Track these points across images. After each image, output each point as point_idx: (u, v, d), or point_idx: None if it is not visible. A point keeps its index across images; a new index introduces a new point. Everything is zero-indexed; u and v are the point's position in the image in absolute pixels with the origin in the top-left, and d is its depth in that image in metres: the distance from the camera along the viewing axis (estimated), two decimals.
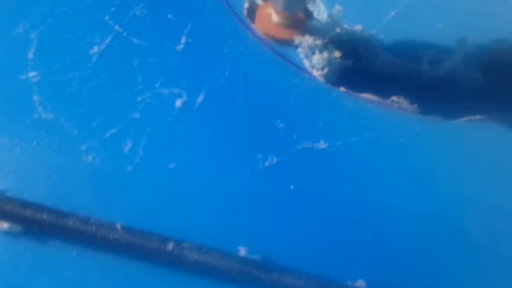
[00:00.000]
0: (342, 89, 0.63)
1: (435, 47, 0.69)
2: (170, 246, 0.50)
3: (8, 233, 0.52)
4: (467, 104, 0.65)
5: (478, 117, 0.62)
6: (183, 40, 0.65)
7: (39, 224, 0.51)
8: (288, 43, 0.66)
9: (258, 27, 0.67)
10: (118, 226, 0.51)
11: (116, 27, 0.64)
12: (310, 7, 0.71)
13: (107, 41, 0.63)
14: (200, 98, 0.61)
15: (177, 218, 0.54)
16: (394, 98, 0.63)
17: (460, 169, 0.59)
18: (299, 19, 0.67)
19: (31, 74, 0.60)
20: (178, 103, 0.60)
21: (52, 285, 0.51)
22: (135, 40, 0.64)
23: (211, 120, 0.60)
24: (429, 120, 0.62)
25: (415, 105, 0.63)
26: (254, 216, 0.55)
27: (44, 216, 0.51)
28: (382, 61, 0.69)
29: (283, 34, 0.66)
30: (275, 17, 0.66)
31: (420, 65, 0.68)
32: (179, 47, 0.64)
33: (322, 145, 0.59)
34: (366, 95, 0.63)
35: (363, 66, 0.69)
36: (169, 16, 0.66)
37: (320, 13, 0.71)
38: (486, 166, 0.59)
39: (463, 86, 0.67)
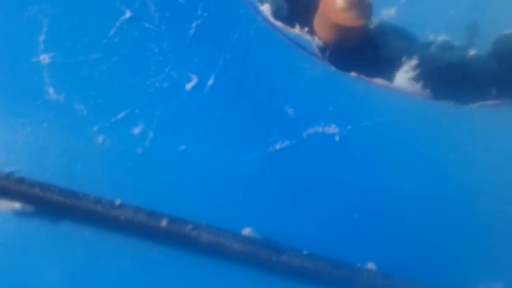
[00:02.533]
0: (353, 74, 0.63)
1: (447, 32, 0.68)
2: (180, 227, 0.50)
3: (20, 213, 0.52)
4: (480, 89, 0.65)
5: (491, 102, 0.62)
6: (193, 24, 0.64)
7: (51, 204, 0.52)
8: (356, 30, 0.62)
9: (323, 14, 0.63)
10: (129, 206, 0.51)
11: (127, 11, 0.64)
12: None
13: (117, 24, 0.63)
14: (210, 82, 0.61)
15: (187, 199, 0.54)
16: (405, 83, 0.62)
17: (472, 154, 0.58)
18: (365, 5, 0.63)
19: (42, 56, 0.60)
20: (189, 86, 0.60)
21: (64, 264, 0.51)
22: (146, 24, 0.64)
23: (221, 103, 0.60)
24: (441, 105, 0.61)
25: (428, 90, 0.62)
26: (264, 199, 0.55)
27: (56, 196, 0.52)
28: (394, 46, 0.68)
29: (350, 20, 0.62)
30: (340, 2, 0.63)
31: (432, 51, 0.68)
32: (190, 31, 0.64)
33: (333, 129, 0.59)
34: (377, 80, 0.63)
35: (375, 51, 0.69)
36: (180, 0, 0.66)
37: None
38: (498, 151, 0.59)
39: (475, 71, 0.66)
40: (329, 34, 0.63)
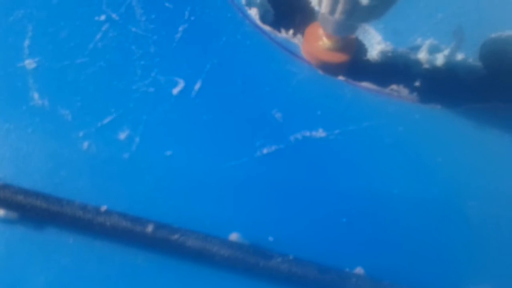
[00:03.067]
0: (340, 77, 0.63)
1: (434, 36, 0.69)
2: (167, 233, 0.49)
3: (3, 220, 0.52)
4: (467, 92, 0.65)
5: (478, 105, 0.62)
6: (180, 28, 0.64)
7: (35, 211, 0.51)
8: (340, 67, 0.62)
9: (306, 50, 0.63)
10: (114, 213, 0.50)
11: (113, 15, 0.64)
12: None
13: (103, 29, 0.63)
14: (197, 86, 0.60)
15: (174, 205, 0.54)
16: (394, 86, 0.62)
17: (460, 157, 0.58)
18: (349, 41, 0.63)
19: (28, 61, 0.60)
20: (175, 90, 0.60)
21: (48, 273, 0.51)
22: (132, 29, 0.63)
23: (208, 108, 0.59)
24: (429, 108, 0.61)
25: (415, 94, 0.62)
26: (252, 204, 0.55)
27: (40, 202, 0.51)
28: (381, 50, 0.68)
29: (334, 57, 0.62)
30: (325, 40, 0.62)
31: (419, 54, 0.68)
32: (177, 35, 0.64)
33: (320, 133, 0.59)
34: (365, 84, 0.63)
35: (361, 55, 0.69)
36: (167, 4, 0.66)
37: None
38: (486, 154, 0.59)
39: (463, 75, 0.67)
40: (315, 64, 0.63)
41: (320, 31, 0.62)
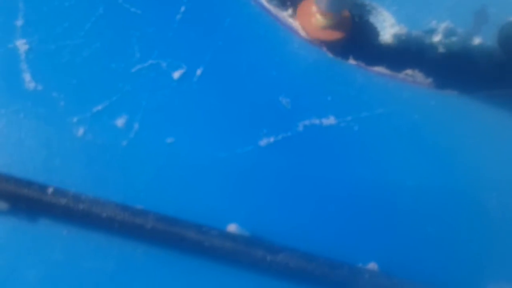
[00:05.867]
0: (351, 61, 0.59)
1: (450, 19, 0.65)
2: (167, 225, 0.46)
3: None
4: (484, 78, 0.61)
5: (497, 91, 0.59)
6: (182, 8, 0.60)
7: (27, 201, 0.48)
8: (335, 44, 0.60)
9: (301, 25, 0.61)
10: (111, 203, 0.47)
11: None
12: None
13: (100, 9, 0.59)
14: (200, 70, 0.57)
15: (174, 195, 0.51)
16: (408, 71, 0.59)
17: (478, 146, 0.55)
18: (344, 19, 0.61)
19: (19, 42, 0.56)
20: (176, 75, 0.56)
21: (41, 266, 0.48)
22: (131, 9, 0.60)
23: (211, 93, 0.56)
24: (445, 94, 0.58)
25: (430, 79, 0.59)
26: (257, 196, 0.52)
27: (32, 192, 0.48)
28: (394, 33, 0.65)
29: (329, 35, 0.60)
30: (319, 18, 0.60)
31: (434, 38, 0.64)
32: (178, 16, 0.60)
33: (331, 120, 0.55)
34: (377, 68, 0.59)
35: (373, 38, 0.65)
36: None
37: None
38: (504, 142, 0.56)
39: (480, 60, 0.63)
40: (312, 38, 0.61)
41: (314, 8, 0.60)
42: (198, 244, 0.46)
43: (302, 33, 0.61)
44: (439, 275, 0.49)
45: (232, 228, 0.48)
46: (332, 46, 0.60)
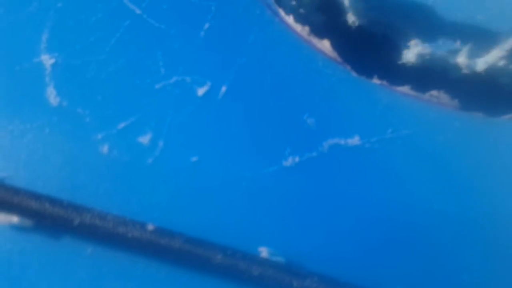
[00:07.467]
0: (376, 80, 0.59)
1: (474, 40, 0.65)
2: (194, 247, 0.46)
3: (18, 228, 0.48)
4: (510, 100, 0.61)
5: None
6: (206, 25, 0.60)
7: (51, 218, 0.48)
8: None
9: None
10: (137, 223, 0.47)
11: (136, 10, 0.60)
12: None
13: (126, 24, 0.59)
14: (224, 87, 0.57)
15: (198, 215, 0.50)
16: (434, 92, 0.59)
17: (505, 170, 0.54)
18: None
19: (45, 57, 0.56)
20: (201, 91, 0.56)
21: (64, 284, 0.47)
22: (156, 24, 0.60)
23: (235, 111, 0.56)
24: (470, 116, 0.57)
25: (456, 100, 0.58)
26: (280, 216, 0.51)
27: (57, 209, 0.47)
28: (418, 52, 0.64)
29: None
30: None
31: (458, 59, 0.64)
32: (202, 33, 0.60)
33: (356, 140, 0.55)
34: (402, 88, 0.59)
35: (397, 58, 0.65)
36: None
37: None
38: None
39: (505, 81, 0.63)
40: None
41: None
42: (224, 267, 0.45)
43: (327, 51, 0.60)
44: None
45: (262, 250, 0.47)
46: (356, 64, 0.60)
